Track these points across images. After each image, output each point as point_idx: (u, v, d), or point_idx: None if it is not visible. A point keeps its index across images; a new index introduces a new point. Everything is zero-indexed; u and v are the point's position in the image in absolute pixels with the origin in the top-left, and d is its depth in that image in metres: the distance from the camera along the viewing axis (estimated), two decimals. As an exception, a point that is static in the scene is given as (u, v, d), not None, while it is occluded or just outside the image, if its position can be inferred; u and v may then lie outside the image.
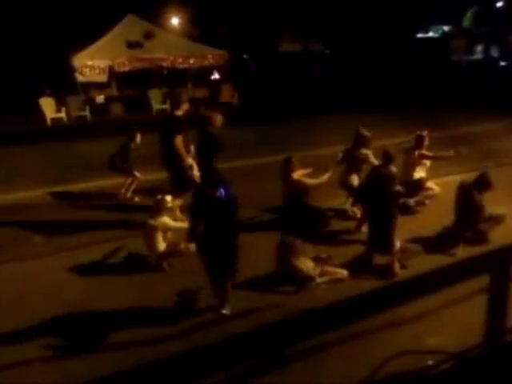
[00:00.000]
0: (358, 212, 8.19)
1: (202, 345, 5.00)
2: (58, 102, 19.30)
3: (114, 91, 21.34)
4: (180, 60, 21.88)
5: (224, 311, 5.63)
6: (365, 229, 7.41)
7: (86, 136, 15.90)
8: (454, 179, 8.73)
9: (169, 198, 6.77)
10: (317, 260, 6.39)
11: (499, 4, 43.44)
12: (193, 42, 23.47)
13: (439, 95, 21.27)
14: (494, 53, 42.14)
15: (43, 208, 9.48)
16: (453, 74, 27.63)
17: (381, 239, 6.53)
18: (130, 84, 21.42)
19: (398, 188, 6.86)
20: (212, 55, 22.68)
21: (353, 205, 8.47)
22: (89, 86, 20.67)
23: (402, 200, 8.00)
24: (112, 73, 20.60)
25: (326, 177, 7.97)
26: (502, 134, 13.67)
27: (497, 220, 7.27)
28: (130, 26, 21.53)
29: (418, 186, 8.58)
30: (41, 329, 5.44)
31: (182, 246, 6.19)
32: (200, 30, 29.06)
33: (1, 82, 21.74)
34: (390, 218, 6.48)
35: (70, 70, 19.83)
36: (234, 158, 12.23)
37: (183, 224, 6.68)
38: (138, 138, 9.63)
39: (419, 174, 8.61)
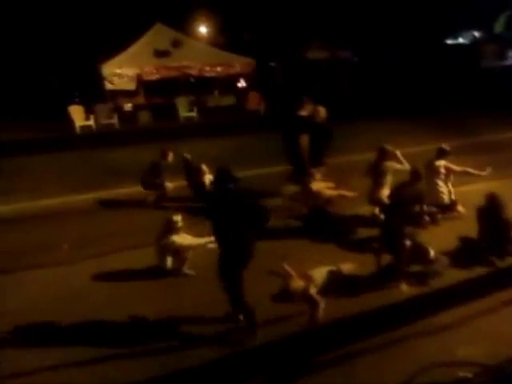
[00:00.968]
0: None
1: (232, 353, 5.05)
2: (87, 110, 19.54)
3: (141, 99, 21.52)
4: (207, 68, 22.01)
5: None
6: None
7: (114, 143, 16.05)
8: (478, 188, 8.59)
9: (178, 217, 6.76)
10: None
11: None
12: (220, 50, 23.58)
13: (469, 102, 20.89)
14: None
15: (72, 214, 9.61)
16: (483, 80, 27.13)
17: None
18: (158, 92, 21.56)
19: (425, 208, 7.13)
20: (239, 63, 22.75)
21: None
22: (117, 94, 20.89)
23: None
24: (140, 81, 20.82)
25: (347, 193, 8.25)
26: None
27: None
28: (157, 35, 21.74)
29: (448, 208, 8.42)
30: (65, 334, 5.47)
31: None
32: (227, 38, 29.19)
33: (32, 90, 22.17)
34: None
35: (99, 79, 20.11)
36: (259, 166, 12.30)
37: (195, 241, 6.69)
38: (171, 157, 9.77)
39: (445, 189, 8.43)
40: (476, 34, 42.30)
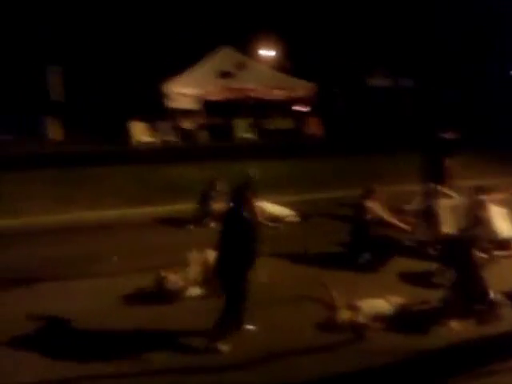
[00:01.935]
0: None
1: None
2: (149, 127, 20.11)
3: (201, 119, 21.85)
4: (269, 91, 22.14)
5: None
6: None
7: (173, 160, 16.38)
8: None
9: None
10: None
11: None
12: (283, 74, 23.71)
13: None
14: None
15: (124, 227, 9.80)
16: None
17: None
18: (217, 112, 21.88)
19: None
20: (301, 87, 22.78)
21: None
22: (177, 113, 21.35)
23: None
24: (202, 101, 21.19)
25: (404, 226, 8.03)
26: None
27: None
28: (223, 57, 22.13)
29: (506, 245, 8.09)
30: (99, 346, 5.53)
31: None
32: (292, 62, 29.35)
33: (100, 106, 23.05)
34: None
35: (161, 97, 20.64)
36: (311, 190, 12.25)
37: None
38: (219, 187, 9.84)
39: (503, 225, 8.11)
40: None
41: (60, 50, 23.38)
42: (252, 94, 21.95)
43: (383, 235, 7.92)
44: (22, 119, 20.45)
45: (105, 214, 10.72)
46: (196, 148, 19.72)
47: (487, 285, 6.11)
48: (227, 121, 21.61)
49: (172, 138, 20.22)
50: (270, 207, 10.02)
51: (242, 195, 5.74)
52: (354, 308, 5.85)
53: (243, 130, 21.29)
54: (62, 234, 9.29)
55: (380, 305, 5.99)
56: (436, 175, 9.29)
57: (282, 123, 22.78)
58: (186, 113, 21.33)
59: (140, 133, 19.88)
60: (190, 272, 6.83)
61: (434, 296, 6.30)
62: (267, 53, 28.01)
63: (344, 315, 5.77)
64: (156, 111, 20.48)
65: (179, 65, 21.44)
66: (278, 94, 22.36)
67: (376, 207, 7.75)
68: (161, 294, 6.55)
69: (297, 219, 10.08)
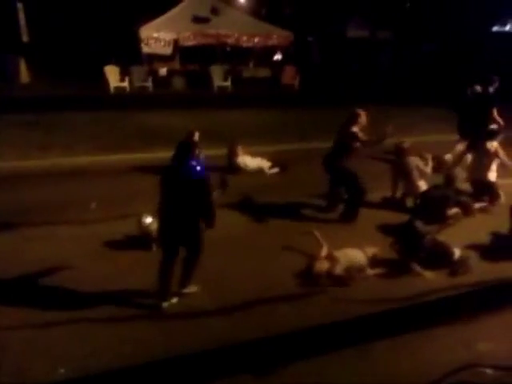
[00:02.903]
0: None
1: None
2: (122, 72, 19.60)
3: (177, 65, 21.47)
4: (245, 38, 21.76)
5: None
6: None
7: (147, 107, 16.13)
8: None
9: None
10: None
11: None
12: (259, 21, 23.27)
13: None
14: None
15: (100, 174, 9.68)
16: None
17: None
18: (193, 58, 21.48)
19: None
20: (277, 35, 22.44)
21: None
22: (152, 58, 20.87)
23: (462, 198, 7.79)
24: (176, 46, 20.73)
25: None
26: None
27: None
28: (197, 1, 21.53)
29: (489, 190, 8.30)
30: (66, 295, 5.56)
31: None
32: (266, 9, 28.79)
33: (71, 48, 22.30)
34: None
35: (136, 41, 20.09)
36: (287, 141, 12.26)
37: None
38: (197, 137, 9.62)
39: (493, 174, 8.32)
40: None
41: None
42: (228, 40, 21.57)
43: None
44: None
45: (80, 160, 10.57)
46: (170, 95, 19.42)
47: (449, 247, 6.30)
48: (203, 67, 21.23)
49: (147, 83, 19.79)
50: (248, 160, 10.03)
51: (189, 149, 5.30)
52: (331, 258, 6.01)
53: (220, 78, 20.96)
54: (36, 180, 9.11)
55: (356, 255, 6.16)
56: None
57: (258, 71, 22.53)
58: (161, 58, 20.87)
59: (115, 78, 19.36)
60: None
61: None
62: (242, -2, 27.41)
63: (322, 265, 5.93)
64: (131, 56, 19.97)
65: (154, 9, 20.78)
66: (253, 41, 22.01)
67: (361, 132, 7.56)
68: (143, 240, 6.59)
69: (275, 170, 10.12)
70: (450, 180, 7.13)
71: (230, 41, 21.65)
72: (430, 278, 6.03)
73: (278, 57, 24.80)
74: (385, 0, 27.40)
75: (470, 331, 5.07)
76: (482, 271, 6.20)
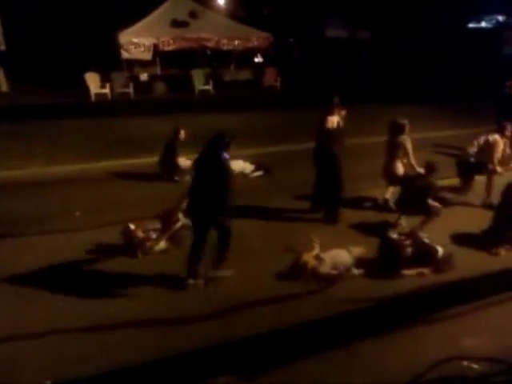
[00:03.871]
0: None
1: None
2: (103, 78, 19.48)
3: (157, 70, 21.41)
4: (225, 41, 21.75)
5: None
6: (404, 222, 7.34)
7: (128, 113, 16.08)
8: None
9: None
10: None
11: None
12: (238, 23, 23.28)
13: (488, 89, 20.57)
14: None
15: (84, 182, 9.65)
16: (504, 68, 26.61)
17: None
18: (174, 63, 21.41)
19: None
20: (257, 37, 22.47)
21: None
22: (133, 64, 20.78)
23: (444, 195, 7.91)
24: (157, 51, 20.67)
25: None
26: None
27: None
28: (176, 5, 21.45)
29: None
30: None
31: None
32: (245, 12, 28.82)
33: (49, 56, 22.12)
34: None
35: (116, 47, 19.99)
36: (270, 144, 12.30)
37: None
38: (183, 134, 9.76)
39: None
40: (500, 18, 41.37)
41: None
42: (208, 44, 21.57)
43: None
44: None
45: (63, 169, 10.53)
46: (152, 100, 19.39)
47: (432, 246, 6.38)
48: (184, 71, 21.19)
49: (128, 89, 19.71)
50: (231, 163, 9.96)
51: (223, 140, 5.73)
52: (318, 259, 6.07)
53: (201, 82, 20.96)
54: (19, 190, 9.08)
55: (342, 255, 6.23)
56: None
57: (239, 74, 22.55)
58: (141, 63, 20.79)
59: (96, 85, 19.25)
60: (157, 225, 6.89)
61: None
62: (220, 1, 27.40)
63: (308, 259, 6.01)
64: (112, 62, 19.86)
65: (132, 14, 20.68)
66: (233, 44, 22.03)
67: (335, 120, 7.66)
68: (128, 248, 6.59)
69: (258, 173, 10.13)
70: (430, 169, 7.16)
71: (211, 44, 21.62)
72: (416, 277, 6.11)
73: (258, 59, 24.85)
74: (363, 0, 27.62)
75: (455, 327, 5.15)
76: (466, 267, 6.28)
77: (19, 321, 5.19)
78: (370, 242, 6.71)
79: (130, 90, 19.71)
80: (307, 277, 5.92)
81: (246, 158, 10.33)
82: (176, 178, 9.59)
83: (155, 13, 21.14)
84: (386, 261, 6.30)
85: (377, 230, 7.08)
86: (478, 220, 7.50)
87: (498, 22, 39.39)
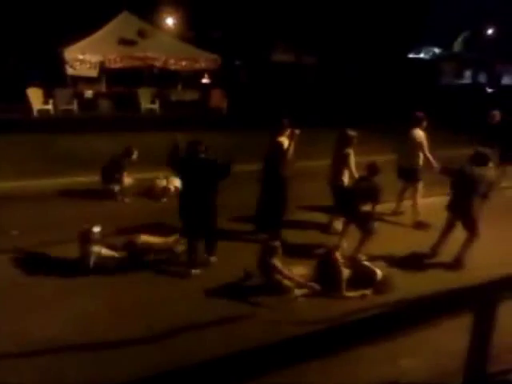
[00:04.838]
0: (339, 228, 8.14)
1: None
2: (46, 94, 19.10)
3: (103, 87, 21.21)
4: (172, 61, 21.83)
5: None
6: (346, 244, 7.48)
7: (72, 130, 15.79)
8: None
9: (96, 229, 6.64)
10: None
11: (489, 31, 44.30)
12: (186, 44, 23.45)
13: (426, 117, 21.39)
14: (482, 79, 42.88)
15: (21, 201, 9.28)
16: (441, 96, 27.93)
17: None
18: (120, 81, 21.27)
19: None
20: (204, 59, 22.68)
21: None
22: (78, 80, 20.49)
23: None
24: (103, 69, 20.46)
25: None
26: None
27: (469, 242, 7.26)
28: (124, 23, 21.45)
29: None
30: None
31: None
32: (194, 33, 29.05)
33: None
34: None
35: (60, 63, 19.65)
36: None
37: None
38: (135, 156, 9.56)
39: None
40: (436, 50, 43.61)
41: None
42: (155, 63, 21.55)
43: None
44: None
45: (2, 186, 10.14)
46: (96, 117, 19.10)
47: (371, 269, 6.52)
48: (131, 90, 21.06)
49: (72, 106, 19.36)
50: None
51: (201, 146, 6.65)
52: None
53: (147, 101, 20.86)
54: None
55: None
56: None
57: (185, 94, 22.63)
58: (87, 80, 20.52)
59: (38, 100, 18.81)
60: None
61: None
62: (169, 22, 27.52)
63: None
64: (55, 78, 19.47)
65: (80, 30, 20.43)
66: (181, 64, 22.12)
67: (285, 141, 7.71)
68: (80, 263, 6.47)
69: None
70: (373, 170, 7.20)
71: (158, 64, 21.64)
72: (357, 298, 6.23)
73: (205, 80, 25.03)
74: (309, 26, 28.42)
75: (395, 348, 5.27)
76: (405, 288, 6.44)
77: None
78: (312, 263, 6.81)
79: (74, 106, 19.40)
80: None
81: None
82: (126, 200, 9.48)
83: (103, 30, 21.02)
84: (325, 283, 6.38)
85: (317, 251, 7.23)
86: (418, 239, 7.81)
87: (434, 53, 41.50)
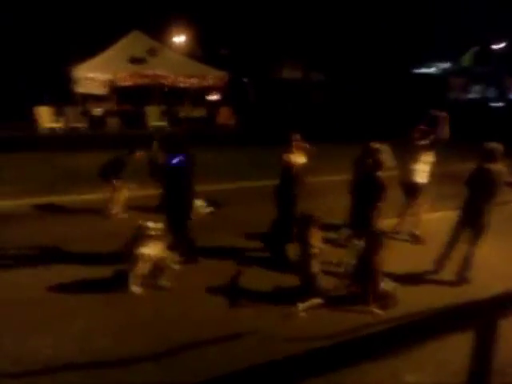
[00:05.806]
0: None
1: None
2: (56, 112, 19.30)
3: (112, 105, 21.38)
4: (181, 78, 22.04)
5: None
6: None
7: (80, 148, 15.88)
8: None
9: (151, 224, 6.38)
10: None
11: (499, 46, 44.26)
12: (195, 62, 23.65)
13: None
14: (491, 93, 42.76)
15: (25, 219, 9.24)
16: (450, 111, 27.78)
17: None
18: (129, 99, 21.48)
19: None
20: (212, 76, 22.84)
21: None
22: (87, 98, 20.71)
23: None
24: (112, 87, 20.66)
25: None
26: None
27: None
28: (134, 42, 21.73)
29: None
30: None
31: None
32: (203, 50, 29.34)
33: (1, 90, 21.73)
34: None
35: (70, 81, 19.89)
36: (223, 181, 12.34)
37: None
38: (140, 157, 9.53)
39: None
40: (445, 65, 43.63)
41: None
42: (164, 81, 21.75)
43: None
44: None
45: (3, 204, 10.08)
46: (105, 135, 19.23)
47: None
48: (139, 108, 21.23)
49: (81, 124, 19.52)
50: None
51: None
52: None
53: (155, 118, 21.00)
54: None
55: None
56: None
57: (194, 111, 22.77)
58: (96, 98, 20.74)
59: (46, 118, 18.99)
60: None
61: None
62: (178, 39, 27.79)
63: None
64: (64, 96, 19.69)
65: (89, 49, 20.71)
66: (189, 82, 22.30)
67: (296, 157, 7.70)
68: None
69: (209, 209, 10.06)
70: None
71: (167, 81, 21.84)
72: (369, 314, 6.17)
73: (213, 97, 25.19)
74: (317, 43, 28.59)
75: (399, 363, 5.19)
76: (409, 303, 6.38)
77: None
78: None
79: (83, 124, 19.54)
80: None
81: (198, 195, 10.23)
82: (124, 216, 9.40)
83: (113, 48, 21.30)
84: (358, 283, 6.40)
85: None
86: (421, 254, 7.73)
87: (444, 69, 41.52)
